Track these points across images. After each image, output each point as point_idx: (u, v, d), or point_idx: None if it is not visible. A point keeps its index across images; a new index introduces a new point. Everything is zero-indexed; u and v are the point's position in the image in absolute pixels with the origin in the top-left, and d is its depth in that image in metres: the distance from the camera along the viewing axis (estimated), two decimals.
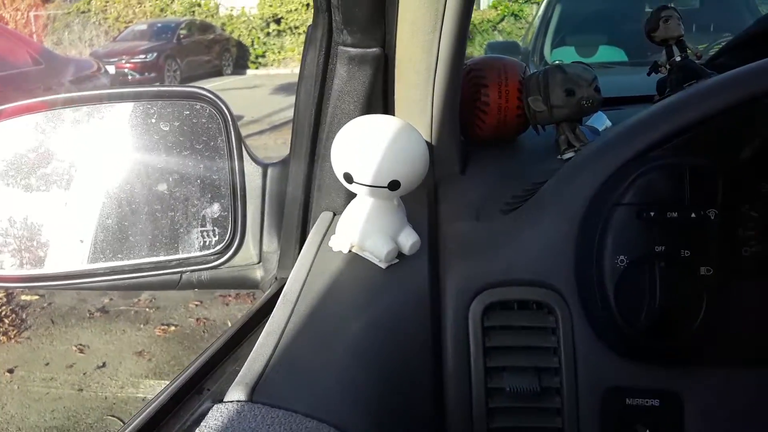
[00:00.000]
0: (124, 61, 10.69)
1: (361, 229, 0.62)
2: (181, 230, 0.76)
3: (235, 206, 0.76)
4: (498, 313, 0.60)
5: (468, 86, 0.82)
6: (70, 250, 0.73)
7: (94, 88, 5.84)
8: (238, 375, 0.47)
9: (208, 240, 0.76)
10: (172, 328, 3.05)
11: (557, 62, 0.79)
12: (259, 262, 0.79)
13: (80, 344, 2.89)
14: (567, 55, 3.66)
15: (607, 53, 3.47)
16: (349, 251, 0.64)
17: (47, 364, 2.73)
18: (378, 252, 0.61)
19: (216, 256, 0.76)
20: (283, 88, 10.27)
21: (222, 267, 0.77)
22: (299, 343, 0.52)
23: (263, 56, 14.50)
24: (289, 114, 0.79)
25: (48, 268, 0.73)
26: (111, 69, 9.87)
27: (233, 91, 10.61)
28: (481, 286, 0.60)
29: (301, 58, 0.73)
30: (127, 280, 0.74)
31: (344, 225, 0.64)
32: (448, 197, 0.74)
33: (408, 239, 0.63)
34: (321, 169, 0.74)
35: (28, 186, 0.71)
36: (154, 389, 2.53)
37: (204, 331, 3.03)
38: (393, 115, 0.76)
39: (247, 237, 0.77)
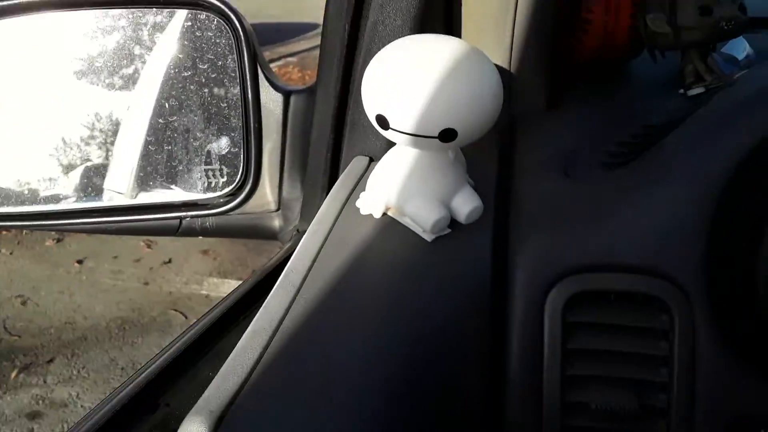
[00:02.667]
0: None
1: (401, 188, 0.46)
2: (181, 168, 0.61)
3: (248, 141, 0.60)
4: (586, 306, 0.42)
5: None
6: (44, 185, 0.61)
7: None
8: (202, 396, 0.34)
9: (214, 180, 0.61)
10: None
11: None
12: (277, 210, 0.64)
13: (148, 240, 2.88)
14: None
15: None
16: (384, 215, 0.48)
17: (116, 257, 2.76)
18: (422, 220, 0.45)
19: (224, 200, 0.62)
20: None
21: (232, 213, 0.62)
22: (297, 351, 0.37)
23: None
24: None
25: (19, 206, 0.61)
26: None
27: None
28: (567, 269, 0.42)
29: None
30: (116, 224, 0.61)
31: (378, 180, 0.48)
32: (527, 142, 0.56)
33: (465, 204, 0.46)
34: (356, 103, 0.57)
35: None
36: (218, 287, 2.55)
37: None
38: (458, 33, 0.56)
39: (263, 179, 0.62)
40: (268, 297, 0.42)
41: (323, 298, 0.41)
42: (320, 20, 0.56)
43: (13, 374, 1.99)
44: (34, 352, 2.08)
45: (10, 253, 2.73)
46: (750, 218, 0.40)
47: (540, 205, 0.47)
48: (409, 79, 0.40)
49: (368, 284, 0.43)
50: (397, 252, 0.46)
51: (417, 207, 0.45)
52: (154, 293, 2.51)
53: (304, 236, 0.47)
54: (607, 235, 0.43)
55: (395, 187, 0.46)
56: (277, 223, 0.64)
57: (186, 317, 2.39)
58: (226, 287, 2.63)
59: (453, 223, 0.46)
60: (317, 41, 0.57)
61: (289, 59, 5.32)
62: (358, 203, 0.50)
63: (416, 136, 0.42)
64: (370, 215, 0.49)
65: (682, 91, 0.60)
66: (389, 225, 0.47)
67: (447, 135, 0.41)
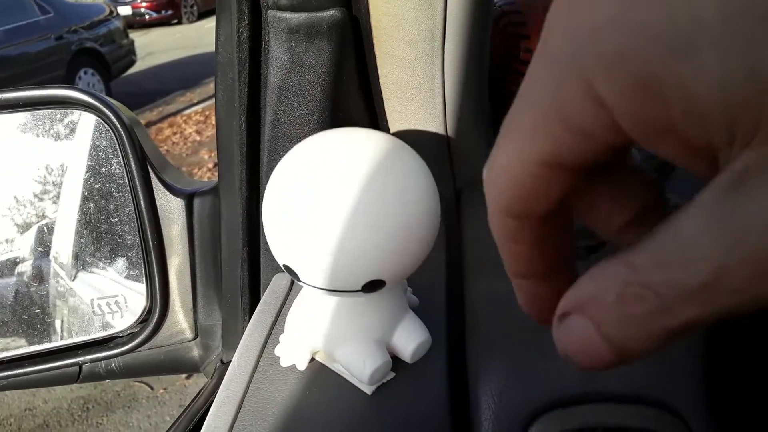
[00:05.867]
0: (139, 0, 10.32)
1: (327, 330, 0.37)
2: (71, 302, 0.50)
3: (148, 262, 0.50)
4: None
5: (501, 38, 0.54)
6: None
7: (108, 32, 5.58)
8: None
9: (112, 313, 0.50)
10: None
11: None
12: (195, 338, 0.53)
13: None
14: None
15: None
16: (312, 359, 0.38)
17: None
18: (357, 371, 0.36)
19: (127, 337, 0.51)
20: None
21: (140, 349, 0.52)
22: None
23: None
24: None
25: None
26: (127, 9, 9.63)
27: None
28: (543, 404, 0.34)
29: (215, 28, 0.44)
30: (3, 379, 0.50)
31: (297, 321, 0.38)
32: (478, 225, 0.46)
33: (409, 341, 0.37)
34: None
35: None
36: None
37: None
38: (382, 111, 0.47)
39: (173, 304, 0.52)
40: None
41: None
42: None
43: None
44: None
45: None
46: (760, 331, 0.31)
47: (501, 318, 0.38)
48: (317, 229, 0.30)
49: None
50: (331, 410, 0.36)
51: (349, 354, 0.36)
52: None
53: (215, 402, 0.37)
54: None
55: (320, 329, 0.36)
56: (196, 353, 0.53)
57: (152, 388, 2.24)
58: None
59: (398, 361, 0.37)
60: None
61: None
62: (278, 351, 0.39)
63: (334, 291, 0.32)
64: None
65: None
66: (319, 374, 0.38)
67: (372, 286, 0.32)
